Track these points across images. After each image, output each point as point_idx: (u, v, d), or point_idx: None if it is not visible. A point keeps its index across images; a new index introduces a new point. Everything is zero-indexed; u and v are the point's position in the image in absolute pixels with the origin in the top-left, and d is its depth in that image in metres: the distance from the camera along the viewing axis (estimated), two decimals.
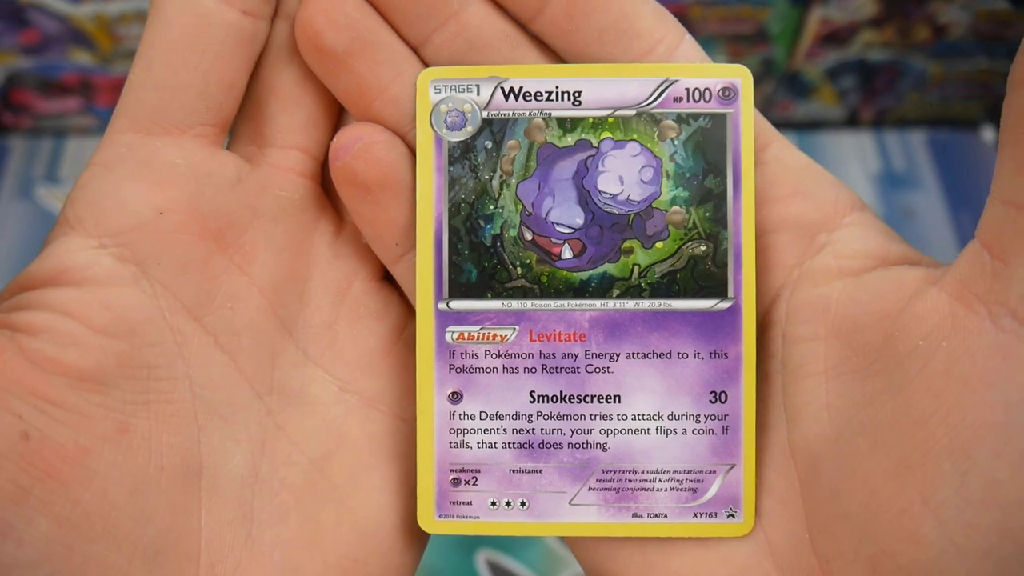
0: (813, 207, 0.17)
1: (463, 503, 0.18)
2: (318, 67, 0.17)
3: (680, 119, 0.17)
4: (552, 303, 0.18)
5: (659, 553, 0.17)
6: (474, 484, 0.18)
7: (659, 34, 0.17)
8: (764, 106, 0.50)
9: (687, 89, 0.17)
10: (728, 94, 0.17)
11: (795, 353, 0.17)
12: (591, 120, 0.17)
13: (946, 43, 0.45)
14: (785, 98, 0.50)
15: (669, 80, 0.17)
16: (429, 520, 0.18)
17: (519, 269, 0.18)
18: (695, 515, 0.18)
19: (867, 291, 0.16)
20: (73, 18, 0.42)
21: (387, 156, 0.17)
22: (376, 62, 0.17)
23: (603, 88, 0.17)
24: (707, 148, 0.17)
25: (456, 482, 0.18)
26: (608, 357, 0.18)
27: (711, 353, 0.17)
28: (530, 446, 0.18)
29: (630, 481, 0.18)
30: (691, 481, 0.18)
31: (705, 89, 0.17)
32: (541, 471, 0.18)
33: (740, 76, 0.17)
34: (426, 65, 0.18)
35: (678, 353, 0.17)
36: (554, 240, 0.18)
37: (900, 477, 0.14)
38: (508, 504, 0.18)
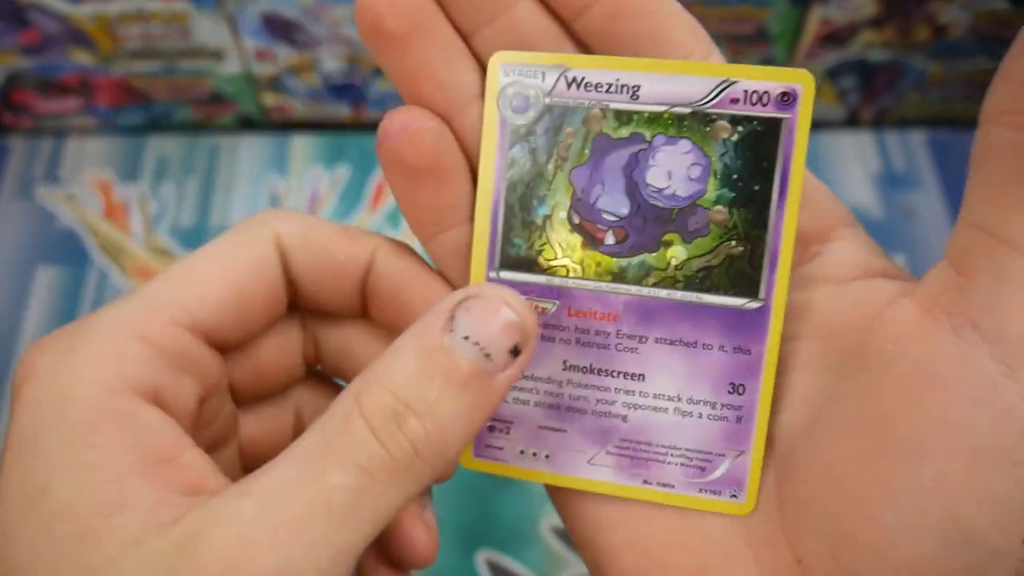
0: (812, 219, 0.18)
1: (496, 447, 0.19)
2: (375, 48, 0.18)
3: (734, 120, 0.18)
4: (591, 284, 0.19)
5: (643, 517, 0.19)
6: (507, 433, 0.19)
7: (691, 45, 0.18)
8: None
9: (745, 91, 0.18)
10: (787, 99, 0.17)
11: (781, 350, 0.18)
12: (647, 115, 0.18)
13: (946, 43, 0.45)
14: None
15: (729, 80, 0.18)
16: (467, 458, 0.20)
17: (565, 249, 0.19)
18: (700, 490, 0.19)
19: (847, 298, 0.18)
20: (73, 18, 0.42)
21: (435, 143, 0.18)
22: (429, 48, 0.17)
23: (662, 84, 0.18)
24: (758, 151, 0.18)
25: (492, 429, 0.19)
26: (637, 339, 0.19)
27: (735, 348, 0.18)
28: (558, 408, 0.19)
29: (644, 452, 0.19)
30: (700, 460, 0.19)
31: (764, 92, 0.17)
32: (566, 431, 0.19)
33: (802, 82, 0.17)
34: (475, 54, 0.18)
35: (703, 344, 0.18)
36: (599, 225, 0.18)
37: (863, 466, 0.16)
38: (535, 455, 0.19)
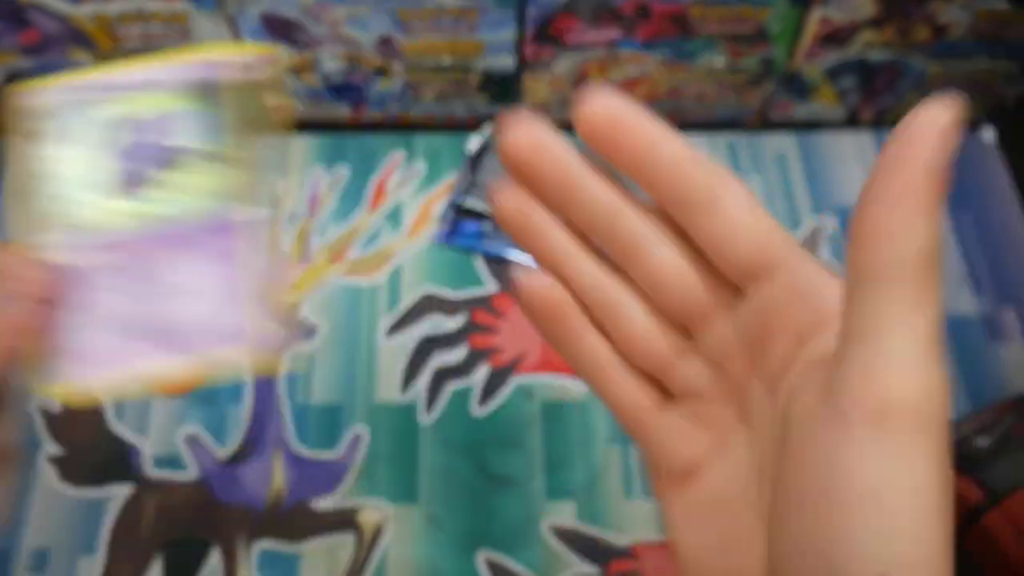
0: (741, 251, 0.20)
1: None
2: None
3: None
4: (119, 228, 0.25)
5: (699, 519, 0.21)
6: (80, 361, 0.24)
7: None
8: (764, 106, 0.50)
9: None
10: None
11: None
12: (144, 98, 0.26)
13: (946, 43, 0.45)
14: (785, 98, 0.50)
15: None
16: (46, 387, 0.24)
17: (104, 211, 0.25)
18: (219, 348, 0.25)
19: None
20: (73, 18, 0.42)
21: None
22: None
23: (144, 76, 0.26)
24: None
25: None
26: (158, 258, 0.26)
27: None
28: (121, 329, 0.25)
29: (179, 339, 0.25)
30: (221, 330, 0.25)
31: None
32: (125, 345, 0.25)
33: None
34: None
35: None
36: (129, 183, 0.26)
37: (773, 518, 0.19)
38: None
